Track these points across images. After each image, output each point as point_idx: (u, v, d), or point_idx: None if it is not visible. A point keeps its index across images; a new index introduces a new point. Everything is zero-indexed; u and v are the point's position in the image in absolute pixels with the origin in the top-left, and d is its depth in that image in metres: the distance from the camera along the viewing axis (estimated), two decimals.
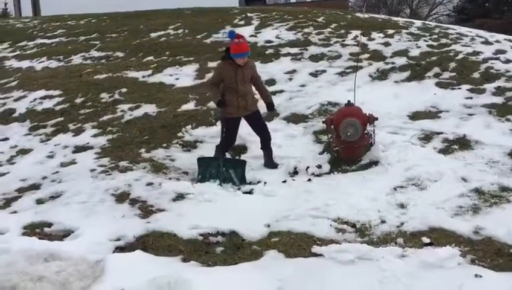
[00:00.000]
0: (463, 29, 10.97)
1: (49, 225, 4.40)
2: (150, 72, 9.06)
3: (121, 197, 4.85)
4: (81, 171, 5.48)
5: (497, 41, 9.42)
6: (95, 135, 6.59)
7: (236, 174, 5.38)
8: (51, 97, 8.16)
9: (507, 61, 8.11)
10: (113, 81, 8.64)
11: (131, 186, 5.06)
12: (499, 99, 6.71)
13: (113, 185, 5.09)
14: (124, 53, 10.50)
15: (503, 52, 8.62)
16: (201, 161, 5.52)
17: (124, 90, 8.15)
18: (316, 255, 3.63)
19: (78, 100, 7.89)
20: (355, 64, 7.94)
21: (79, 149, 6.20)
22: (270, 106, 5.87)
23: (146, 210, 4.59)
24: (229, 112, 5.56)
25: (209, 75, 8.59)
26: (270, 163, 5.74)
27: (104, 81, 8.63)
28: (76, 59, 10.52)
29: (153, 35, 11.74)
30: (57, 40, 12.65)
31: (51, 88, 8.52)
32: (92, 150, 6.11)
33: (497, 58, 8.25)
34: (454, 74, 7.80)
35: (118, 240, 4.04)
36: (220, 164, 5.39)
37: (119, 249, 3.92)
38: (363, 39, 9.51)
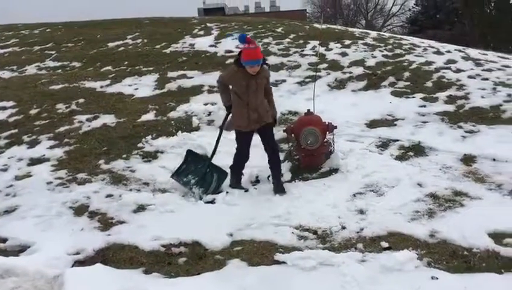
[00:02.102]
0: (416, 40, 11.39)
1: (4, 240, 4.25)
2: (108, 82, 8.92)
3: (80, 210, 4.74)
4: (37, 184, 5.33)
5: (448, 52, 9.82)
6: (51, 147, 6.42)
7: (218, 181, 5.31)
8: (4, 108, 7.90)
9: (458, 70, 8.47)
10: (70, 91, 8.45)
11: (90, 199, 4.96)
12: (450, 107, 6.99)
13: (71, 197, 4.98)
14: (80, 63, 10.31)
15: (454, 62, 8.99)
16: (190, 153, 5.51)
17: (81, 100, 7.99)
18: (278, 262, 3.65)
19: (33, 111, 7.67)
20: (314, 74, 8.09)
21: (34, 161, 6.02)
22: (273, 121, 5.30)
23: (106, 222, 4.51)
24: (239, 124, 5.09)
25: (169, 85, 8.61)
26: (278, 188, 5.09)
27: (60, 92, 8.43)
28: (31, 69, 10.26)
29: (110, 45, 11.59)
30: (10, 49, 12.28)
31: (4, 99, 8.26)
32: (49, 162, 5.95)
33: (449, 68, 8.60)
34: (409, 83, 8.08)
35: (77, 253, 3.95)
36: (206, 164, 5.37)
37: (78, 263, 3.82)
38: (321, 49, 9.71)
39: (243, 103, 4.97)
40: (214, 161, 5.40)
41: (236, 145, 5.24)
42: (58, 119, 7.32)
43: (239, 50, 4.97)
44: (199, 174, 5.32)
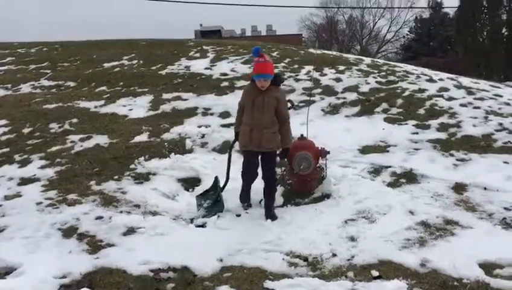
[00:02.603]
0: (409, 67, 11.53)
1: None
2: (102, 102, 8.93)
3: (68, 232, 4.68)
4: (27, 205, 5.27)
5: (441, 80, 9.93)
6: (42, 167, 6.38)
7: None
8: None
9: (450, 98, 8.56)
10: (64, 111, 8.45)
11: (80, 220, 4.90)
12: (442, 135, 7.04)
13: (61, 219, 4.91)
14: (75, 82, 10.33)
15: (446, 90, 9.09)
16: (216, 179, 5.55)
17: (74, 120, 7.98)
18: None
19: (26, 130, 7.65)
20: (308, 98, 8.15)
21: (25, 181, 5.96)
22: (284, 152, 5.11)
23: (94, 245, 4.44)
24: (242, 142, 5.04)
25: (164, 107, 8.64)
26: (269, 215, 5.01)
27: (54, 111, 8.43)
28: (26, 88, 10.25)
29: (106, 65, 11.64)
30: (5, 68, 12.30)
31: None
32: (39, 182, 5.90)
33: (441, 96, 8.69)
34: (402, 110, 8.14)
35: (64, 277, 3.87)
36: (218, 192, 5.39)
37: (65, 288, 3.76)
38: (316, 74, 9.79)
39: (247, 119, 4.89)
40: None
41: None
42: (51, 139, 7.29)
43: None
44: (211, 201, 5.35)
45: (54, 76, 10.96)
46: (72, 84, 10.28)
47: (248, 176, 5.24)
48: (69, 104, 8.80)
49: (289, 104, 5.36)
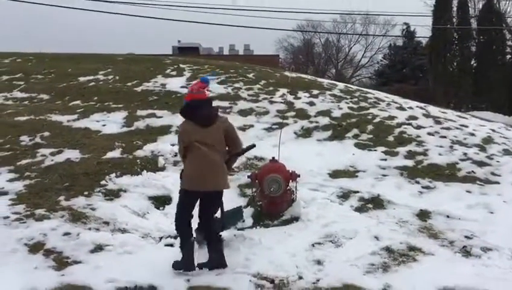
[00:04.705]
0: (381, 94, 11.84)
1: None
2: (75, 116, 8.89)
3: (35, 248, 4.64)
4: None
5: (410, 108, 10.24)
6: (11, 180, 6.28)
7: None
8: None
9: (418, 127, 8.83)
10: (35, 124, 8.37)
11: (47, 236, 4.86)
12: (409, 162, 7.26)
13: (27, 234, 4.86)
14: (49, 96, 10.26)
15: (415, 118, 9.38)
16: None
17: (46, 134, 7.91)
18: None
19: None
20: (281, 121, 8.29)
21: None
22: None
23: (61, 262, 4.42)
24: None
25: (138, 124, 8.63)
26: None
27: (25, 124, 8.34)
28: None
29: (81, 79, 11.60)
30: None
31: None
32: (7, 196, 5.80)
33: (410, 124, 8.96)
34: (372, 136, 8.36)
35: None
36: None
37: None
38: (290, 98, 9.97)
39: None
40: None
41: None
42: (21, 152, 7.21)
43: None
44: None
45: (26, 88, 10.85)
46: (45, 96, 10.20)
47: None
48: (41, 117, 8.72)
49: None
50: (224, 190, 4.66)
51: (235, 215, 5.41)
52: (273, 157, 6.07)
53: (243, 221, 5.48)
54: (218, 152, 4.50)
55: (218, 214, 4.96)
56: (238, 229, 5.40)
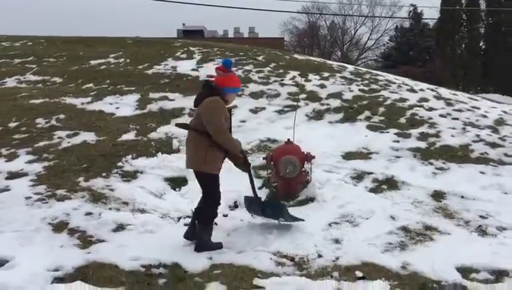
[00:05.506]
0: (391, 76, 11.83)
1: None
2: (89, 99, 8.96)
3: (59, 227, 4.74)
4: (16, 199, 5.29)
5: (421, 90, 10.25)
6: (29, 162, 6.39)
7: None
8: None
9: (430, 109, 8.86)
10: (50, 106, 8.45)
11: (70, 216, 4.96)
12: (422, 144, 7.31)
13: (50, 213, 4.96)
14: (62, 78, 10.32)
15: (426, 100, 9.40)
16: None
17: (61, 116, 8.00)
18: (257, 287, 3.75)
19: (12, 124, 7.64)
20: (294, 103, 8.33)
21: (13, 175, 5.97)
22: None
23: (85, 240, 4.52)
24: (219, 166, 4.53)
25: (151, 106, 8.69)
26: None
27: (40, 106, 8.42)
28: (11, 82, 10.19)
29: (92, 62, 11.63)
30: None
31: None
32: (27, 177, 5.91)
33: (421, 106, 8.99)
34: (383, 118, 8.40)
35: (57, 270, 3.93)
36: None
37: (58, 280, 3.83)
38: (301, 80, 9.99)
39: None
40: None
41: (209, 193, 4.55)
42: (38, 134, 7.30)
43: (217, 76, 4.60)
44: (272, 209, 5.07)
45: (39, 71, 10.91)
46: (58, 80, 10.26)
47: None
48: (55, 99, 8.80)
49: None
50: (209, 174, 4.44)
51: (275, 209, 5.01)
52: (288, 139, 6.14)
53: (282, 220, 4.94)
54: (195, 133, 4.44)
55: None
56: None
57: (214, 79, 4.71)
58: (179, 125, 5.08)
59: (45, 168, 6.21)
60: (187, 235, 4.61)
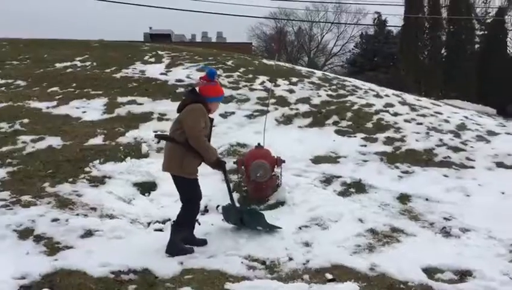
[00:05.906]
0: (357, 82, 12.05)
1: None
2: (54, 103, 8.77)
3: (25, 234, 4.63)
4: None
5: (387, 96, 10.48)
6: None
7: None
8: None
9: (395, 114, 9.07)
10: (14, 110, 8.24)
11: (35, 222, 4.84)
12: (388, 148, 7.48)
13: (15, 220, 4.83)
14: (26, 82, 10.05)
15: (391, 105, 9.62)
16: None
17: (25, 120, 7.81)
18: None
19: None
20: (263, 108, 8.38)
21: None
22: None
23: (52, 247, 4.43)
24: (195, 169, 4.60)
25: (119, 110, 8.55)
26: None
27: (3, 110, 8.19)
28: None
29: (58, 65, 11.38)
30: None
31: None
32: None
33: (387, 111, 9.20)
34: (351, 122, 8.55)
35: (23, 278, 3.85)
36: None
37: (25, 288, 3.74)
38: (270, 85, 10.06)
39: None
40: None
41: (186, 197, 4.63)
42: (1, 139, 7.11)
43: (201, 85, 4.71)
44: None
45: (2, 74, 10.59)
46: (22, 83, 9.98)
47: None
48: (19, 103, 8.57)
49: None
50: (185, 178, 4.50)
51: (253, 217, 5.03)
52: (259, 144, 6.18)
53: (260, 228, 4.93)
54: (173, 138, 4.54)
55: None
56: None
57: (197, 88, 4.78)
58: (158, 136, 5.21)
59: (9, 174, 6.05)
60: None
